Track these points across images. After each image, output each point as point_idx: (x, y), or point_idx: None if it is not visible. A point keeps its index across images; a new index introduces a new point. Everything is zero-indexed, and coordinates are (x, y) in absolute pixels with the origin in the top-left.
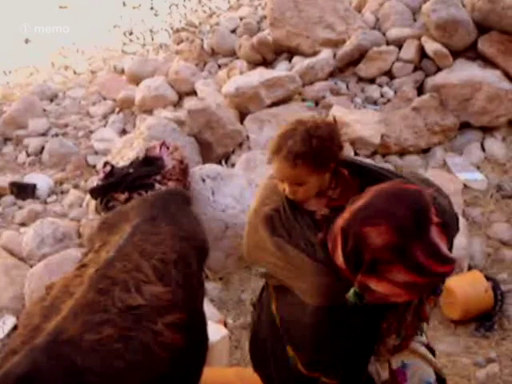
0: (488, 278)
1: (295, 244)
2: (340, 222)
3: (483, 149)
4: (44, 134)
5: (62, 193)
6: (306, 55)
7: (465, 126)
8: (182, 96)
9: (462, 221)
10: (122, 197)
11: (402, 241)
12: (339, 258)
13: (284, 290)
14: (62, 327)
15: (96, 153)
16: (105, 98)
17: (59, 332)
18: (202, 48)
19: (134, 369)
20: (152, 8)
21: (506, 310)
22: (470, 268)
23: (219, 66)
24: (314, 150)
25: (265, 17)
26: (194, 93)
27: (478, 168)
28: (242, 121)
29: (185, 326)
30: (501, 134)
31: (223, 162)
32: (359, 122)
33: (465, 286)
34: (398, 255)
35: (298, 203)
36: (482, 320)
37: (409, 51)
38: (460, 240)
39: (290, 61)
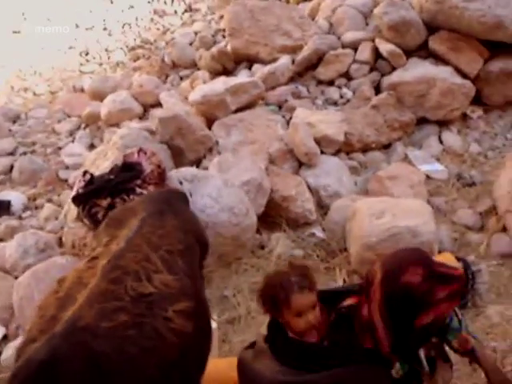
0: (459, 259)
1: None
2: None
3: (441, 141)
4: (12, 153)
5: (37, 208)
6: (265, 62)
7: (422, 121)
8: (146, 108)
9: (428, 208)
10: (105, 202)
11: (427, 268)
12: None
13: None
14: (78, 315)
15: (67, 167)
16: (69, 116)
17: (76, 320)
18: (163, 61)
19: (147, 354)
20: (105, 28)
21: (477, 289)
22: (439, 252)
23: (181, 78)
24: (311, 274)
25: (219, 30)
26: (158, 104)
27: (438, 160)
28: (209, 127)
29: (193, 314)
30: (456, 127)
31: (194, 167)
32: (323, 121)
33: None
34: (433, 279)
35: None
36: None
37: (364, 53)
38: (429, 225)
39: (249, 69)
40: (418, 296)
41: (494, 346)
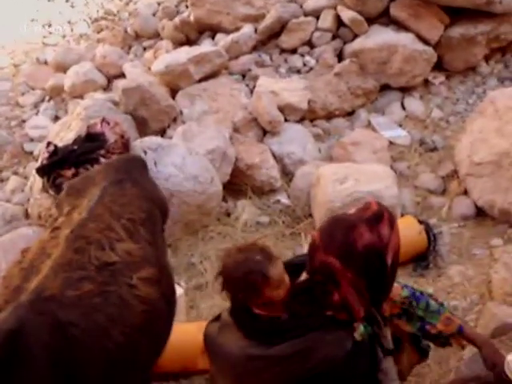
0: (420, 222)
1: None
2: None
3: (403, 107)
4: None
5: (2, 180)
6: (228, 32)
7: (385, 88)
8: (110, 80)
9: (391, 173)
10: (69, 173)
11: (361, 221)
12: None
13: None
14: (43, 285)
15: (32, 140)
16: (33, 88)
17: (41, 290)
18: (126, 32)
19: (114, 321)
20: (67, 0)
21: (439, 250)
22: (402, 216)
23: (144, 49)
24: (266, 247)
25: (182, 0)
26: (122, 75)
27: (401, 125)
28: (173, 97)
29: (157, 280)
30: (418, 93)
31: (159, 137)
32: (286, 89)
33: (400, 230)
34: (371, 226)
35: None
36: (419, 261)
37: (326, 21)
38: (391, 190)
39: (213, 38)
40: (377, 247)
41: (456, 304)
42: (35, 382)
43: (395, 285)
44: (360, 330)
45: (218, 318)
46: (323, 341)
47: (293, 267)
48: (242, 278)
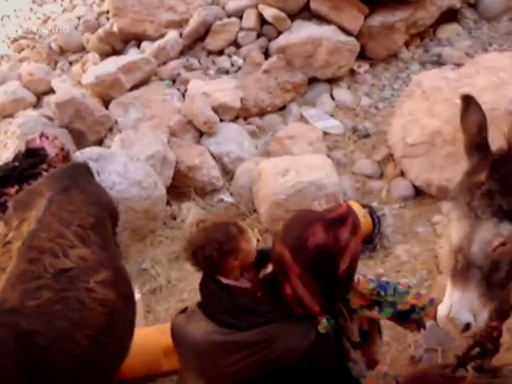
0: (364, 206)
1: None
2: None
3: (333, 98)
4: None
5: None
6: (153, 39)
7: (313, 81)
8: (39, 96)
9: (329, 162)
10: (13, 190)
11: (322, 220)
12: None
13: None
14: (2, 298)
15: None
16: None
17: (1, 303)
18: (50, 49)
19: (76, 325)
20: None
21: (383, 232)
22: (344, 202)
23: (70, 63)
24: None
25: (102, 12)
26: (51, 91)
27: (332, 116)
28: (106, 107)
29: (113, 282)
30: (345, 83)
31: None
32: (217, 90)
33: None
34: (330, 227)
35: None
36: (365, 244)
37: (249, 20)
38: (332, 177)
39: (138, 47)
40: (329, 249)
41: (405, 282)
42: None
43: (361, 278)
44: (323, 323)
45: (184, 311)
46: (287, 332)
47: (259, 255)
48: (222, 231)
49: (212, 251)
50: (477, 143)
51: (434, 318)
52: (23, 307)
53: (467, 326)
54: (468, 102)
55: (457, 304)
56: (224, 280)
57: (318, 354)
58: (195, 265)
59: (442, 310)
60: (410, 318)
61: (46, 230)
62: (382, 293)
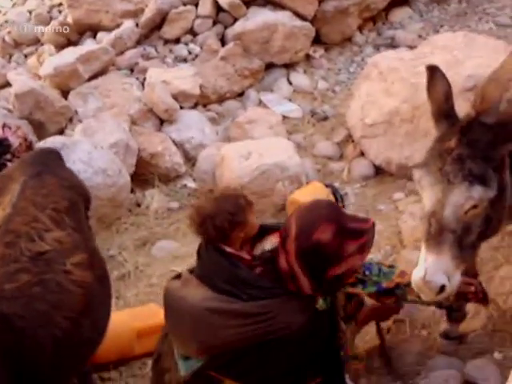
0: (327, 186)
1: None
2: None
3: (290, 83)
4: None
5: None
6: (109, 29)
7: (270, 66)
8: None
9: (290, 144)
10: None
11: (337, 224)
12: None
13: None
14: None
15: None
16: None
17: None
18: (4, 42)
19: (56, 307)
20: None
21: (347, 209)
22: (307, 183)
23: (25, 56)
24: None
25: (54, 6)
26: (7, 85)
27: (290, 100)
28: (65, 98)
29: (89, 264)
30: (302, 68)
31: None
32: (176, 78)
33: (308, 195)
34: (343, 235)
35: None
36: None
37: (205, 8)
38: (294, 159)
39: (94, 37)
40: (328, 252)
41: (371, 258)
42: None
43: None
44: (320, 302)
45: (178, 277)
46: (287, 307)
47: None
48: (233, 202)
49: (223, 221)
50: (444, 111)
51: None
52: (2, 291)
53: (442, 288)
54: (433, 72)
55: (431, 267)
56: (227, 248)
57: (313, 328)
58: (201, 234)
59: (417, 273)
60: (395, 293)
61: (21, 214)
62: (368, 272)
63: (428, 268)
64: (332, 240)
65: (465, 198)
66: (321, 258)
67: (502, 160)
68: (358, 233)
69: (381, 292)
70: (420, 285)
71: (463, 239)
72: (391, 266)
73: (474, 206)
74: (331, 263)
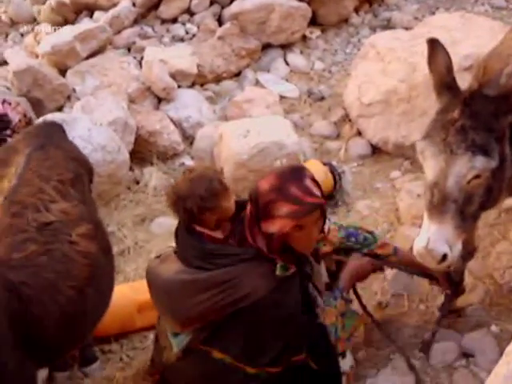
0: (325, 164)
1: None
2: None
3: (287, 63)
4: None
5: None
6: (105, 9)
7: (267, 46)
8: None
9: (288, 123)
10: None
11: (280, 182)
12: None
13: None
14: None
15: None
16: None
17: None
18: (1, 20)
19: (62, 277)
20: None
21: (344, 188)
22: (305, 161)
23: (22, 35)
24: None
25: None
26: (4, 63)
27: (287, 80)
28: (62, 76)
29: (94, 236)
30: (298, 48)
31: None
32: (174, 57)
33: None
34: (279, 193)
35: None
36: (327, 200)
37: None
38: (292, 137)
39: (91, 17)
40: (261, 202)
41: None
42: None
43: (332, 227)
44: (278, 268)
45: (159, 257)
46: (250, 273)
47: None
48: (207, 186)
49: (193, 205)
50: (446, 83)
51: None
52: (10, 259)
53: (444, 257)
54: (434, 44)
55: (434, 236)
56: (198, 228)
57: (280, 294)
58: (174, 212)
59: (419, 242)
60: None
61: (26, 186)
62: (353, 239)
63: (430, 237)
64: (267, 192)
65: (467, 168)
66: (256, 207)
67: (503, 131)
68: (294, 199)
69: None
70: (422, 253)
71: (465, 209)
72: (370, 232)
73: (477, 176)
74: (262, 216)
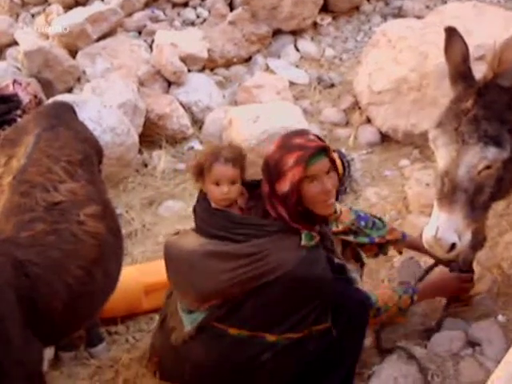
0: (334, 150)
1: None
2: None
3: (297, 49)
4: None
5: None
6: None
7: (277, 32)
8: (2, 49)
9: (298, 109)
10: None
11: (284, 140)
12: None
13: None
14: None
15: None
16: None
17: None
18: (12, 1)
19: (69, 256)
20: None
21: (353, 175)
22: None
23: (32, 16)
24: (242, 156)
25: None
26: (15, 43)
27: (297, 66)
28: (73, 58)
29: (102, 216)
30: (309, 35)
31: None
32: (184, 41)
33: None
34: (283, 149)
35: None
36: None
37: None
38: (302, 123)
39: None
40: (271, 164)
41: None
42: (4, 316)
43: (344, 208)
44: (303, 238)
45: (176, 234)
46: (278, 246)
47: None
48: (200, 157)
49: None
50: (462, 72)
51: (399, 252)
52: (18, 238)
53: (452, 246)
54: (451, 33)
55: (443, 225)
56: (213, 205)
57: (307, 266)
58: (196, 181)
59: (428, 231)
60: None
61: (35, 165)
62: (362, 223)
63: (440, 226)
64: (274, 152)
65: (479, 159)
66: (269, 173)
67: None
68: (298, 147)
69: (372, 244)
70: (431, 242)
71: (475, 199)
72: (380, 219)
73: (488, 167)
74: (275, 177)
